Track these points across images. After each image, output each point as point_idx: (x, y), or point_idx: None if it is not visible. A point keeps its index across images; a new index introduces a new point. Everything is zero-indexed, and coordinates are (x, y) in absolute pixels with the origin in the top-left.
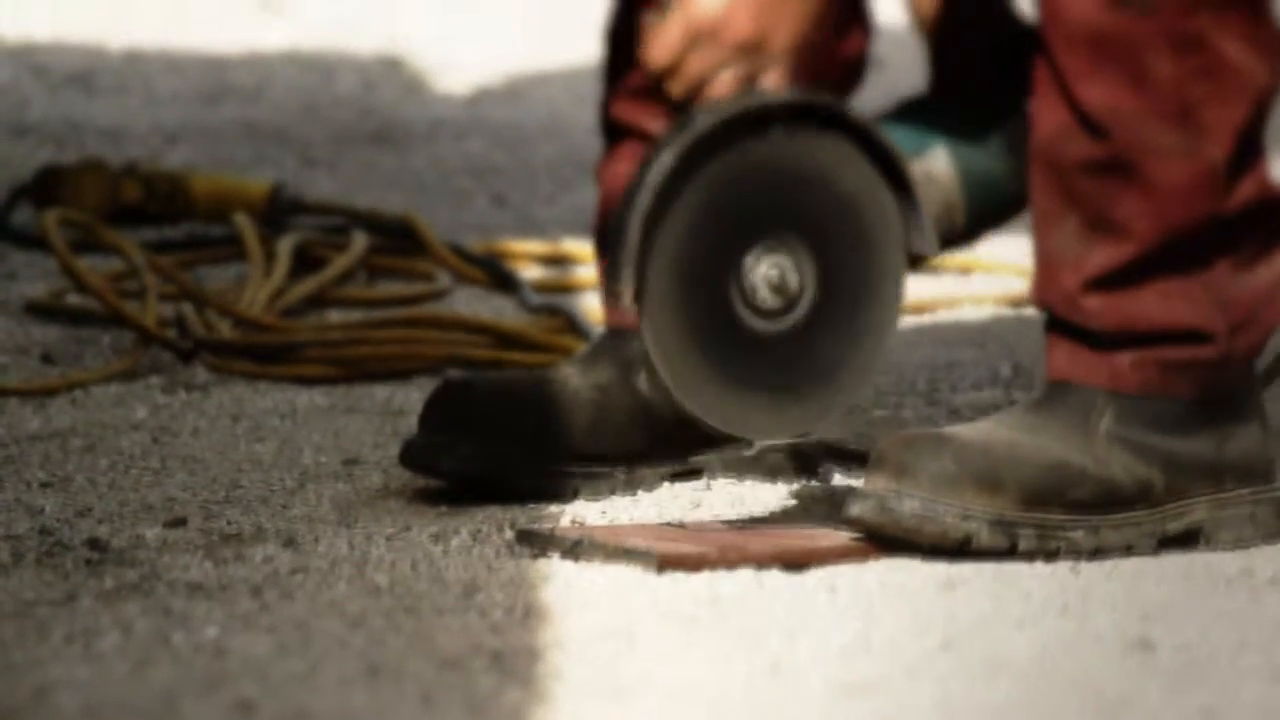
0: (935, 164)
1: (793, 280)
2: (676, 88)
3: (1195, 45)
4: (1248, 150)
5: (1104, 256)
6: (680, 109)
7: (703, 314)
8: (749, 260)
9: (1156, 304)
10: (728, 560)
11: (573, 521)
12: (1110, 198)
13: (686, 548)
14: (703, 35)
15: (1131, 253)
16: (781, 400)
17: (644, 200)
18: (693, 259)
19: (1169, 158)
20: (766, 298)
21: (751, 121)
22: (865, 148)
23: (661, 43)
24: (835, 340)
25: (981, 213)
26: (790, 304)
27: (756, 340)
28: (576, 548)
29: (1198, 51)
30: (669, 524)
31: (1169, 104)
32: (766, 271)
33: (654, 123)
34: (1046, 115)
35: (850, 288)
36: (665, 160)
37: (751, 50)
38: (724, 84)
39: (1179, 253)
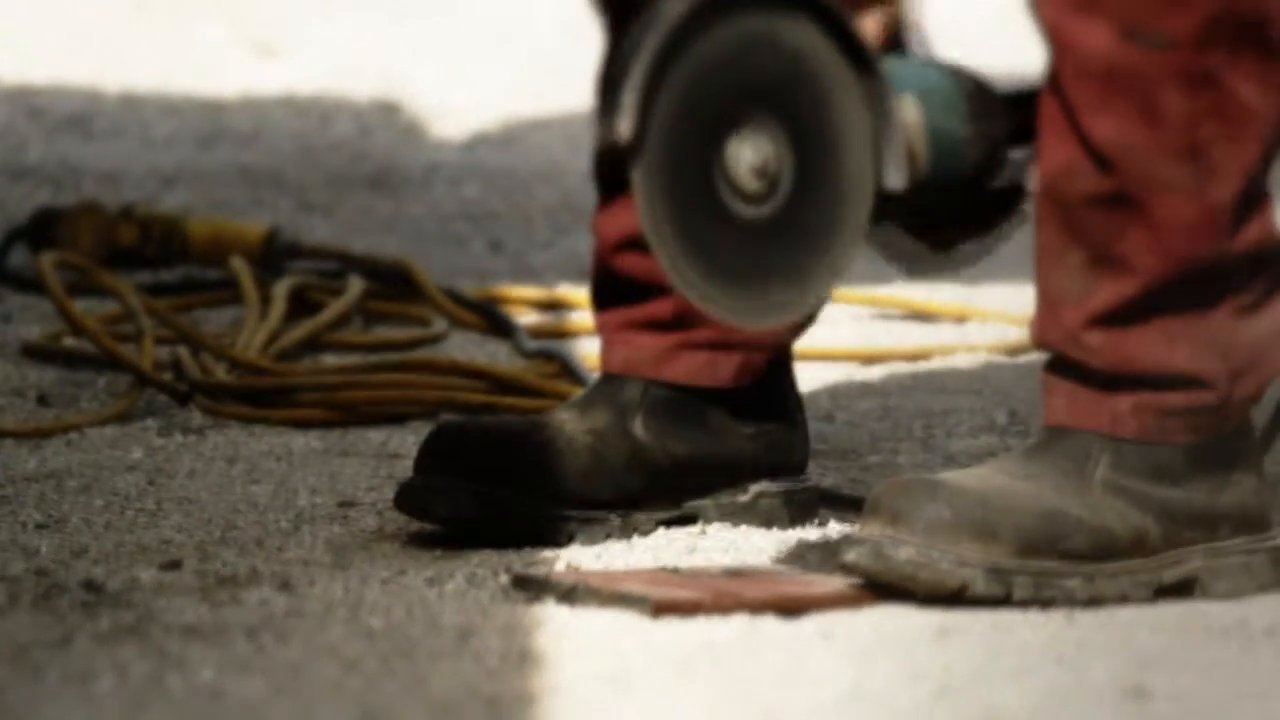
0: (905, 108)
1: (773, 165)
2: None
3: (1208, 83)
4: (1254, 192)
5: (1107, 293)
6: None
7: (690, 181)
8: (734, 139)
9: (1158, 345)
10: (722, 606)
11: (568, 566)
12: (1115, 232)
13: (681, 593)
14: None
15: (1135, 289)
16: (758, 285)
17: (653, 40)
18: (689, 119)
19: (1176, 194)
20: (749, 181)
21: None
22: (854, 60)
23: None
24: (808, 233)
25: (941, 172)
26: (770, 189)
27: (737, 221)
28: (571, 593)
29: (1210, 89)
30: (664, 569)
31: (1178, 141)
32: (751, 154)
33: None
34: (1053, 151)
35: (824, 179)
36: (677, 7)
37: None
38: None
39: (1182, 293)
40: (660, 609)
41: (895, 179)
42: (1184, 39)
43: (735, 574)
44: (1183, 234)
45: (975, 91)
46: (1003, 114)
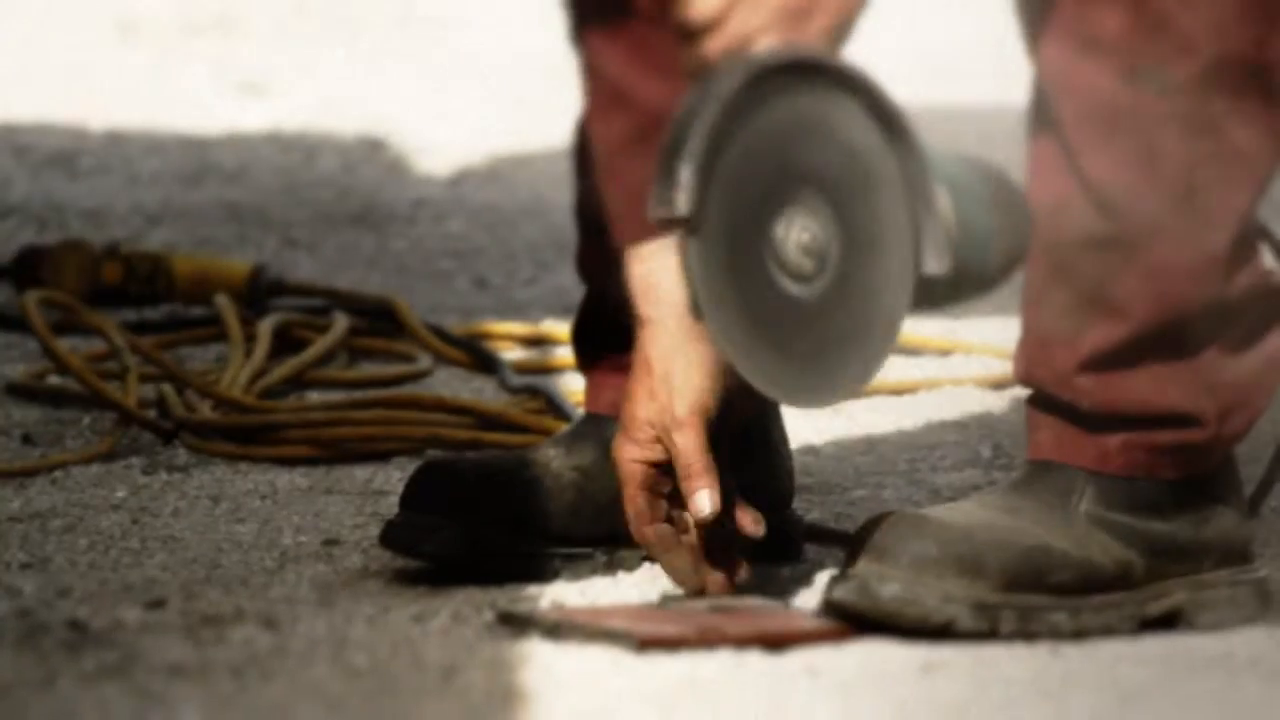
0: (939, 199)
1: (821, 244)
2: (715, 44)
3: (1208, 129)
4: (1246, 236)
5: (1099, 336)
6: (702, 74)
7: (744, 257)
8: (784, 216)
9: (1149, 386)
10: (707, 641)
11: (552, 603)
12: (1109, 275)
13: (665, 628)
14: None
15: (1127, 333)
16: (805, 364)
17: (711, 112)
18: (744, 195)
19: (1173, 240)
20: (798, 259)
21: (806, 71)
22: (896, 143)
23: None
24: (851, 315)
25: (968, 263)
26: (819, 269)
27: (786, 299)
28: (555, 629)
29: (1210, 135)
30: (649, 605)
31: (1177, 185)
32: (799, 233)
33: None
34: (1045, 188)
35: (868, 261)
36: (732, 81)
37: (797, 16)
38: (763, 48)
39: (1174, 336)
40: (645, 644)
41: (935, 264)
42: (1187, 83)
43: (720, 609)
44: (1179, 279)
45: (998, 183)
46: (1023, 206)
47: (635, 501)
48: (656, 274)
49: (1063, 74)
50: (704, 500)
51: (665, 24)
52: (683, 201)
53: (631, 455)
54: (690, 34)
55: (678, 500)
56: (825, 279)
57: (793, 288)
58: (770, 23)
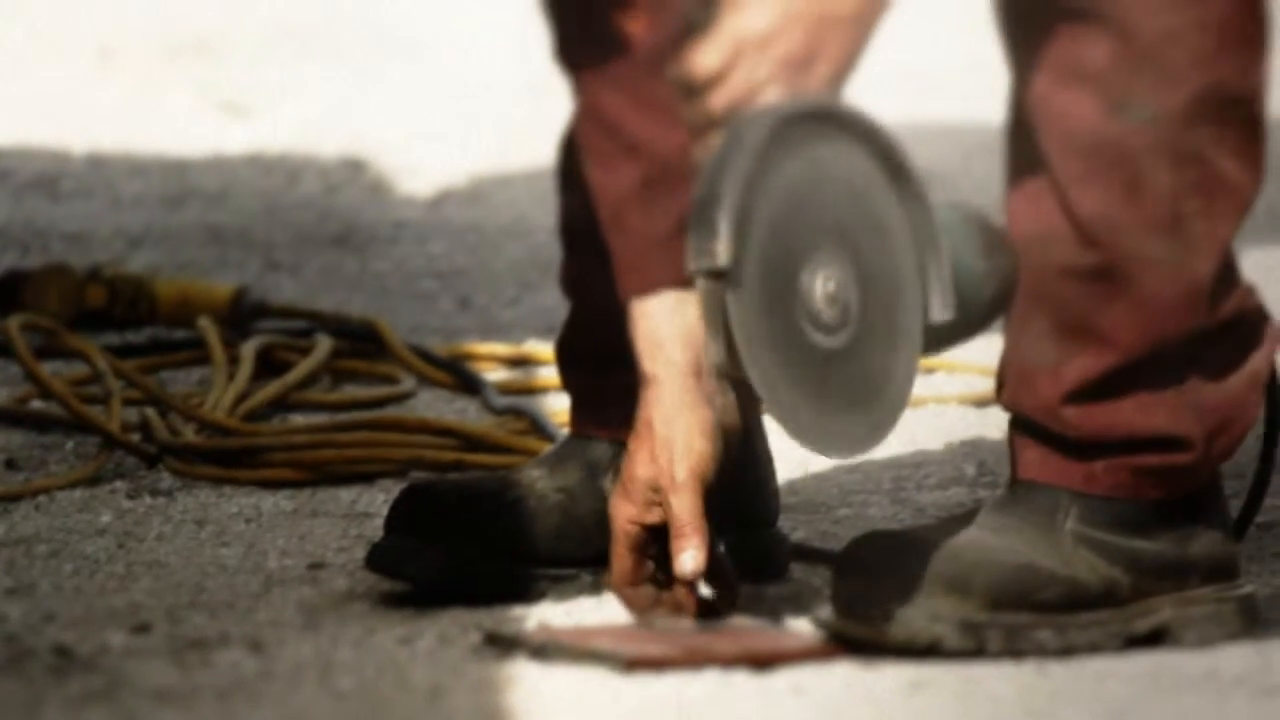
0: (943, 248)
1: (844, 295)
2: (719, 98)
3: (1193, 159)
4: (1230, 263)
5: (1083, 365)
6: (706, 128)
7: (778, 308)
8: (809, 267)
9: (1136, 413)
10: (694, 661)
11: (538, 624)
12: (1095, 305)
13: (653, 649)
14: (752, 48)
15: (1113, 363)
16: (834, 414)
17: (744, 163)
18: (778, 245)
19: (1159, 270)
20: (825, 309)
21: (823, 121)
22: (903, 192)
23: (708, 54)
24: (872, 365)
25: (963, 308)
26: (843, 319)
27: (815, 349)
28: (542, 650)
29: (1194, 165)
30: (634, 625)
31: (1162, 216)
32: (824, 283)
33: None
34: (1028, 216)
35: (885, 311)
36: (760, 131)
37: (800, 66)
38: (767, 101)
39: (1161, 364)
40: (632, 665)
41: (942, 312)
42: (1172, 115)
43: (706, 629)
44: (1165, 310)
45: (983, 227)
46: (1008, 248)
47: (623, 560)
48: (662, 330)
49: (1048, 105)
50: (689, 560)
51: (662, 70)
52: (723, 253)
53: (628, 515)
54: (693, 88)
55: (664, 562)
56: (849, 329)
57: (820, 338)
58: (774, 75)
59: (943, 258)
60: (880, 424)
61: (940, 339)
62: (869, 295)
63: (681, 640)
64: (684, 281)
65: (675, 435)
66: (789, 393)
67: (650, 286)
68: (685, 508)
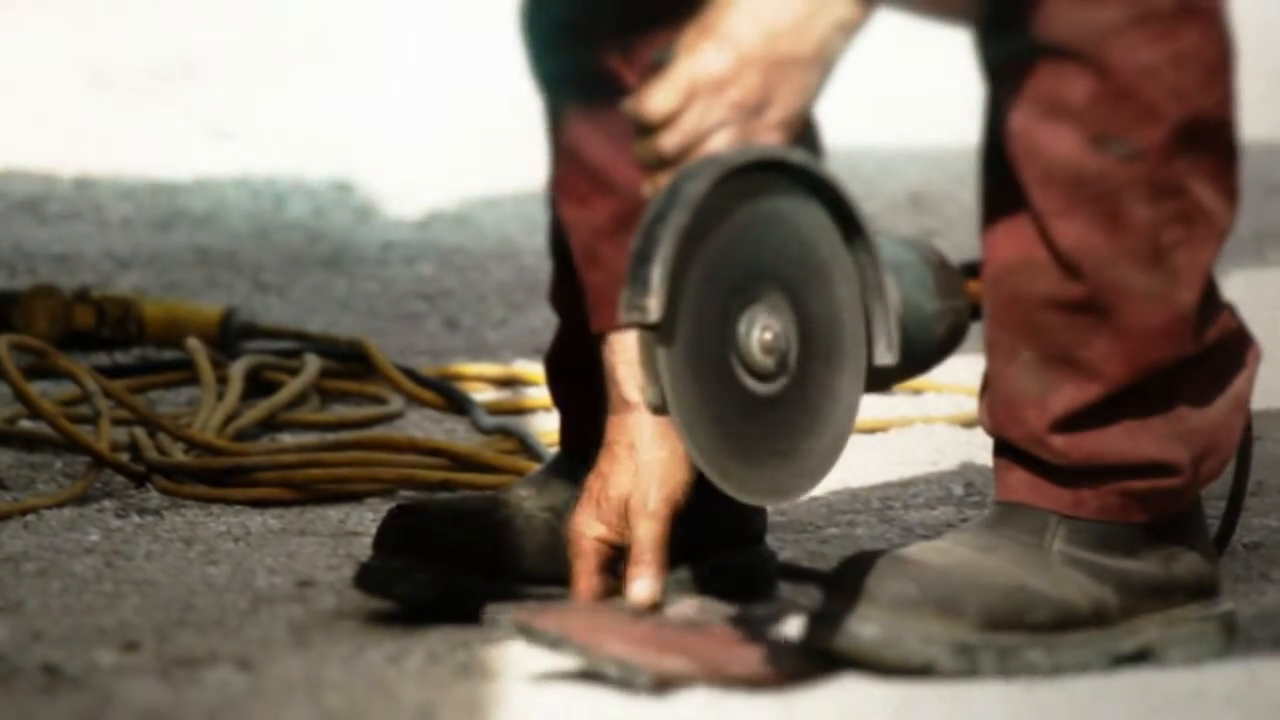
0: (890, 292)
1: (782, 343)
2: (670, 140)
3: (1173, 191)
4: (1212, 290)
5: (1070, 396)
6: (656, 167)
7: (711, 358)
8: (746, 317)
9: (1123, 440)
10: (713, 679)
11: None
12: (1079, 337)
13: (670, 662)
14: (706, 90)
15: (1099, 393)
16: (768, 462)
17: (679, 218)
18: (710, 297)
19: (1143, 301)
20: (760, 358)
21: (768, 170)
22: (850, 237)
23: (661, 94)
24: (809, 411)
25: (913, 346)
26: (780, 367)
27: (750, 398)
28: (559, 644)
29: (1175, 197)
30: (617, 608)
31: (1143, 247)
32: (761, 332)
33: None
34: (1008, 247)
35: (825, 357)
36: (699, 184)
37: (752, 111)
38: (719, 143)
39: (1147, 392)
40: (660, 685)
41: (887, 356)
42: (1152, 148)
43: (697, 629)
44: (1150, 341)
45: (939, 266)
46: (964, 289)
47: (589, 579)
48: (634, 363)
49: (1029, 139)
50: (643, 588)
51: None
52: (654, 308)
53: (596, 534)
54: (645, 129)
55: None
56: (785, 376)
57: (755, 386)
58: (726, 118)
59: (889, 303)
60: (811, 470)
61: (887, 379)
62: (809, 342)
63: (685, 643)
64: None
65: (657, 461)
66: (715, 440)
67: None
68: (651, 536)
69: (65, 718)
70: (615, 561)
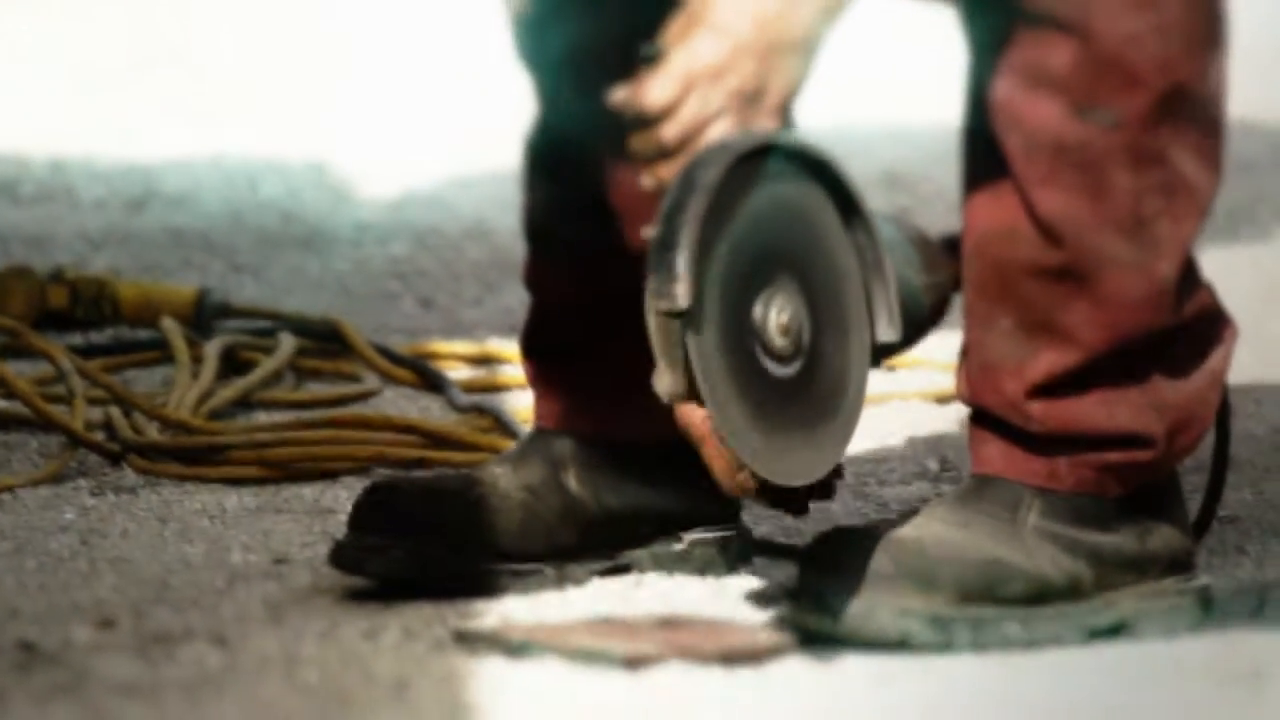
0: (890, 271)
1: (796, 325)
2: (671, 130)
3: (1155, 160)
4: (1191, 266)
5: (1048, 362)
6: (656, 158)
7: (735, 343)
8: (762, 300)
9: (1099, 410)
10: (685, 657)
11: (505, 622)
12: (1059, 303)
13: (641, 646)
14: (703, 79)
15: (1077, 360)
16: (789, 444)
17: (699, 204)
18: (732, 282)
19: (1123, 270)
20: (778, 340)
21: (773, 154)
22: (850, 218)
23: (659, 86)
24: (823, 392)
25: (907, 324)
26: (795, 349)
27: (770, 381)
28: (523, 648)
29: (1157, 166)
30: (599, 620)
31: (1124, 217)
32: (777, 315)
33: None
34: (990, 215)
35: (835, 338)
36: (715, 170)
37: (749, 99)
38: (718, 132)
39: (1125, 362)
40: (631, 663)
41: (889, 333)
42: (1134, 118)
43: (668, 623)
44: (1129, 309)
45: (922, 242)
46: (946, 263)
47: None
48: None
49: (1012, 108)
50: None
51: None
52: (682, 294)
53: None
54: (644, 120)
55: None
56: (801, 358)
57: (775, 368)
58: (726, 105)
59: (890, 281)
60: (832, 446)
61: (880, 355)
62: (819, 323)
63: (656, 636)
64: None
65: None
66: (745, 424)
67: None
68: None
69: (41, 694)
70: None
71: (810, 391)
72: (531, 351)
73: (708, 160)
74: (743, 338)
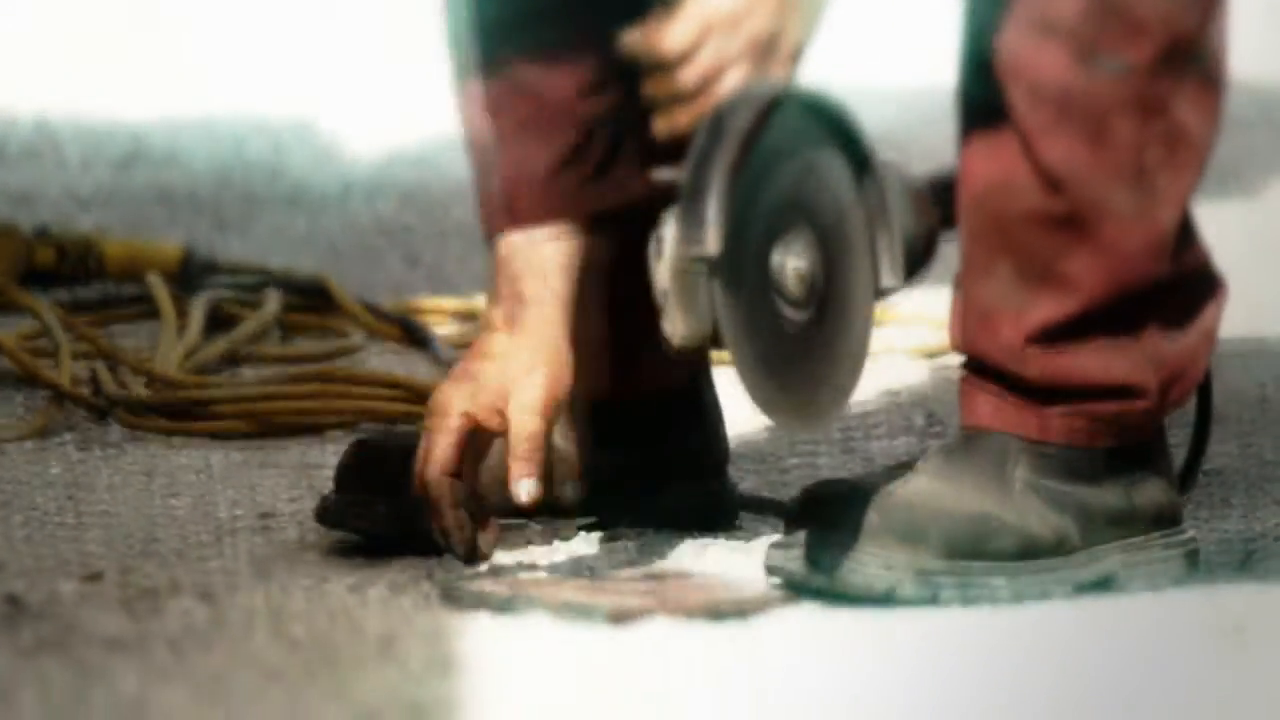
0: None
1: (810, 271)
2: (688, 75)
3: (1158, 111)
4: (1189, 220)
5: (1047, 309)
6: (672, 103)
7: (756, 290)
8: (780, 247)
9: (1095, 360)
10: (671, 612)
11: (497, 577)
12: (1059, 251)
13: (628, 601)
14: (722, 25)
15: (1076, 307)
16: (803, 391)
17: (728, 153)
18: (754, 229)
19: (1124, 219)
20: (795, 287)
21: (791, 103)
22: (858, 164)
23: (678, 31)
24: (833, 338)
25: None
26: (810, 295)
27: (786, 327)
28: (510, 604)
29: (1159, 117)
30: (583, 578)
31: (1127, 166)
32: (794, 262)
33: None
34: (987, 165)
35: (843, 284)
36: (745, 118)
37: (765, 46)
38: (735, 78)
39: (1122, 311)
40: (616, 617)
41: (893, 280)
42: (1139, 66)
43: (654, 578)
44: (1129, 258)
45: (915, 190)
46: (934, 207)
47: (446, 450)
48: (547, 260)
49: (1017, 56)
50: (529, 489)
51: (587, 33)
52: (712, 241)
53: (464, 409)
54: (663, 65)
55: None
56: (813, 304)
57: (790, 315)
58: (741, 53)
59: (895, 230)
60: (842, 393)
61: (884, 300)
62: (830, 270)
63: (642, 591)
64: (560, 218)
65: (563, 355)
66: (763, 372)
67: (532, 219)
68: (536, 433)
69: (28, 648)
70: (470, 442)
71: (820, 339)
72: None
73: (736, 107)
74: (764, 284)
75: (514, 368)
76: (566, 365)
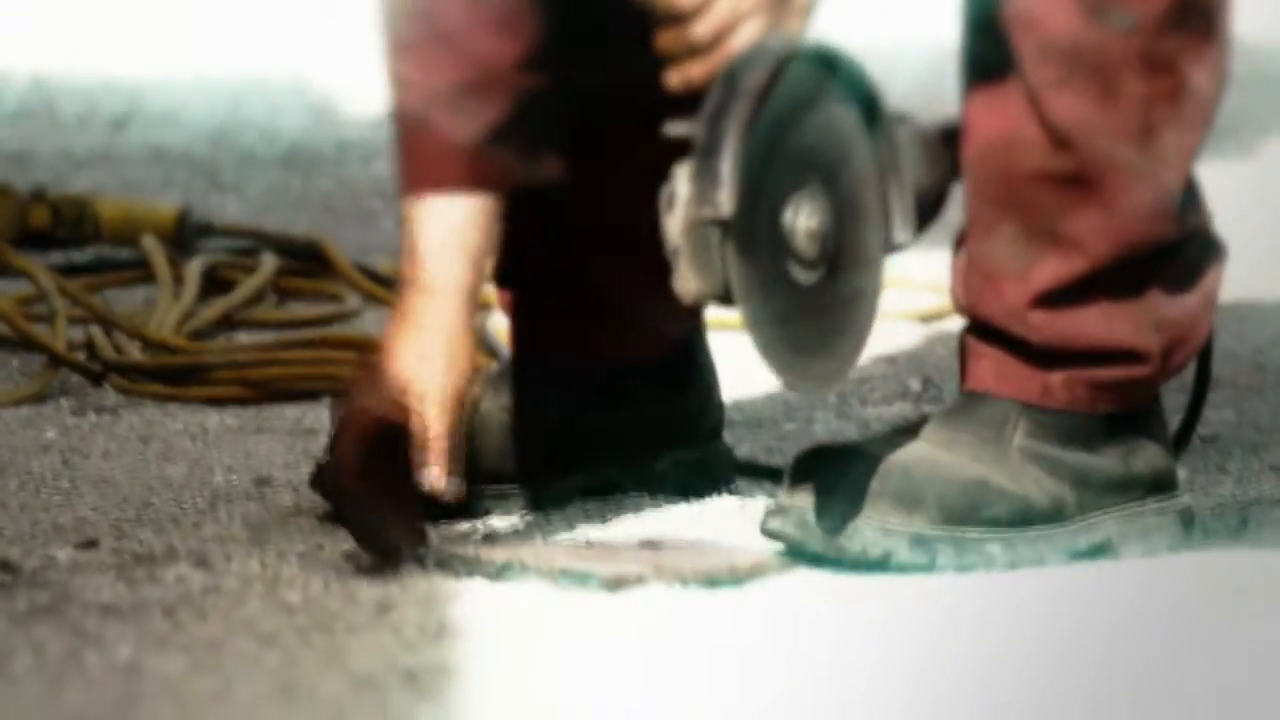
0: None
1: (821, 230)
2: (704, 27)
3: (1165, 67)
4: (1193, 182)
5: (1052, 270)
6: (686, 56)
7: (769, 249)
8: (792, 206)
9: (1099, 323)
10: (666, 578)
11: (488, 541)
12: (1066, 210)
13: (625, 567)
14: None
15: (1081, 268)
16: (814, 350)
17: (742, 111)
18: (768, 188)
19: (1130, 178)
20: (807, 246)
21: (805, 59)
22: (869, 120)
23: None
24: (844, 297)
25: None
26: (822, 254)
27: (798, 286)
28: (505, 570)
29: (1166, 74)
30: (581, 544)
31: (1134, 122)
32: (806, 221)
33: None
34: (992, 122)
35: (854, 241)
36: (759, 76)
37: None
38: (749, 31)
39: (1127, 273)
40: (614, 583)
41: (904, 236)
42: (1148, 22)
43: (650, 544)
44: (1135, 217)
45: (926, 141)
46: (944, 157)
47: (352, 454)
48: (450, 239)
49: (1027, 11)
50: (435, 477)
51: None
52: (725, 200)
53: (370, 407)
54: (677, 17)
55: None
56: (825, 263)
57: (801, 274)
58: (756, 6)
59: (907, 185)
60: (852, 351)
61: (894, 254)
62: (842, 227)
63: (638, 558)
64: (477, 189)
65: (457, 349)
66: (774, 331)
67: (446, 186)
68: (440, 423)
69: (23, 614)
70: (378, 440)
71: (833, 296)
72: (505, 280)
73: (750, 63)
74: (776, 243)
75: (415, 361)
76: (468, 357)
